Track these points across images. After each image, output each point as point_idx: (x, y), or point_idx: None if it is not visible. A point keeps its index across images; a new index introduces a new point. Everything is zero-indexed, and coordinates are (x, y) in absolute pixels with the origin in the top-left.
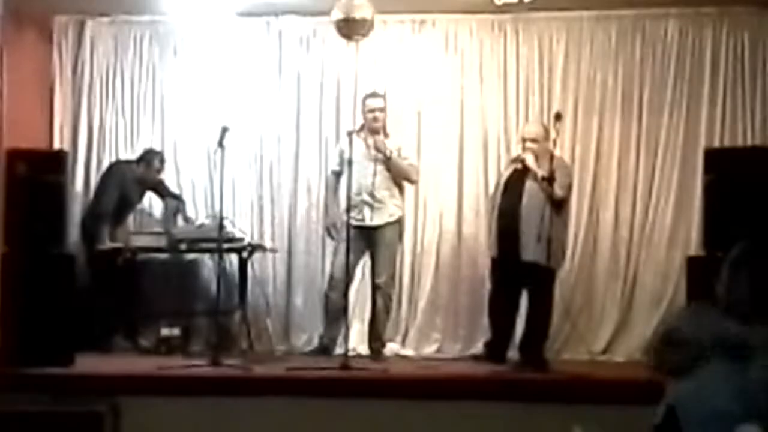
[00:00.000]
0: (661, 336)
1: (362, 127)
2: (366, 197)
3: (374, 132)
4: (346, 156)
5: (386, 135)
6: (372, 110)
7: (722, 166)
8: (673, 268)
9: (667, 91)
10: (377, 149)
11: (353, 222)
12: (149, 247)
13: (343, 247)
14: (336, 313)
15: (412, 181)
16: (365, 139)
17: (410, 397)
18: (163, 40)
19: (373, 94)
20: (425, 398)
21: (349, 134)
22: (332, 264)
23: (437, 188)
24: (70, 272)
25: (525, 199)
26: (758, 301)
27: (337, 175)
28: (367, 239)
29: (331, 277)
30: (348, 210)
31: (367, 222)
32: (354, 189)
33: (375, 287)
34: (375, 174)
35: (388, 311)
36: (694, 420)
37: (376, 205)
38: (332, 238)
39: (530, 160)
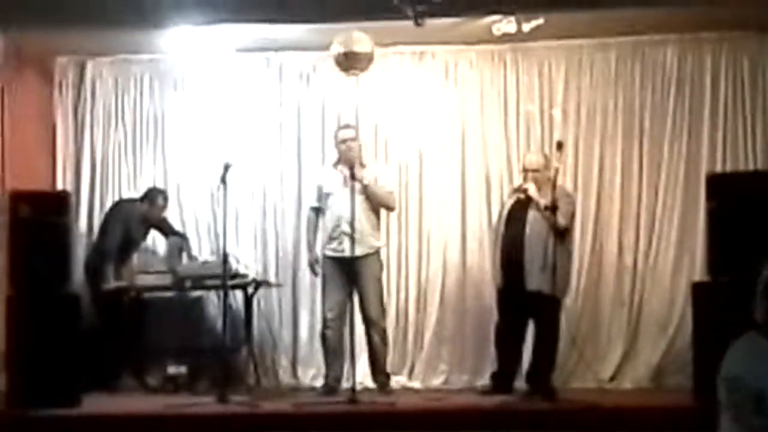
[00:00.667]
0: (726, 387)
1: (338, 160)
2: (345, 228)
3: (349, 162)
4: (325, 191)
5: (362, 165)
6: (344, 140)
7: (725, 192)
8: (679, 294)
9: (668, 117)
10: (353, 178)
11: (333, 254)
12: (154, 285)
13: (328, 285)
14: (335, 352)
15: (390, 209)
16: (341, 171)
17: (418, 430)
18: (164, 77)
19: (345, 126)
20: (433, 431)
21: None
22: (323, 304)
23: (440, 219)
24: (76, 313)
25: (528, 229)
26: None
27: (316, 210)
28: (349, 272)
29: (324, 317)
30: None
31: (347, 253)
32: (333, 221)
33: (367, 322)
34: (351, 203)
35: (385, 344)
36: None
37: (356, 236)
38: (315, 274)
39: (532, 190)
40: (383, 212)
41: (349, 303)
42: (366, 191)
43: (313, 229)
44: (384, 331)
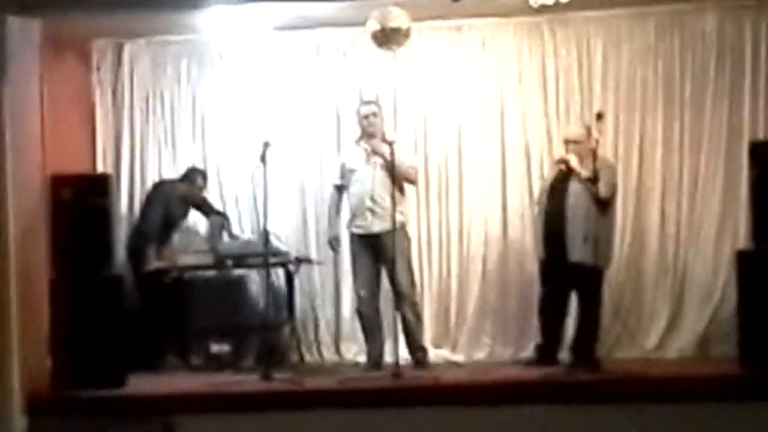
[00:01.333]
0: None
1: (360, 136)
2: (368, 203)
3: (371, 137)
4: (348, 167)
5: (385, 141)
6: (366, 116)
7: None
8: (723, 262)
9: (709, 86)
10: (375, 152)
11: (358, 231)
12: (196, 265)
13: (358, 262)
14: (374, 328)
15: (412, 182)
16: (363, 147)
17: (463, 404)
18: (201, 58)
19: (367, 102)
20: (478, 405)
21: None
22: (354, 281)
23: (481, 194)
24: (119, 294)
25: (570, 201)
26: None
27: (339, 188)
28: (375, 248)
29: (358, 294)
30: (352, 220)
31: (371, 229)
32: (356, 198)
33: (398, 297)
34: (374, 179)
35: (418, 318)
36: None
37: (379, 211)
38: (335, 251)
39: (574, 162)
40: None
41: (380, 279)
42: (387, 166)
43: (335, 207)
44: (416, 305)
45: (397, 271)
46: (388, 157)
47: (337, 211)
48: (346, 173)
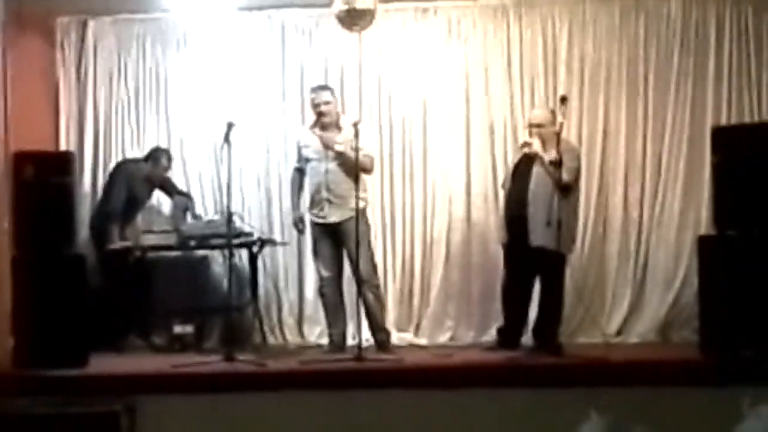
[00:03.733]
0: None
1: (314, 124)
2: (324, 193)
3: (324, 127)
4: (304, 154)
5: (339, 128)
6: (317, 105)
7: (730, 144)
8: (685, 247)
9: (673, 70)
10: (326, 146)
11: (316, 219)
12: (159, 245)
13: (319, 244)
14: (335, 310)
15: (368, 172)
16: (319, 136)
17: (425, 387)
18: (166, 37)
19: (319, 87)
20: (440, 387)
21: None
22: (316, 263)
23: (445, 176)
24: (81, 273)
25: (532, 185)
26: None
27: (299, 171)
28: (334, 235)
29: (320, 275)
30: (310, 207)
31: (329, 219)
32: (313, 187)
33: (359, 282)
34: (327, 171)
35: (380, 301)
36: None
37: (336, 201)
38: (300, 232)
39: (536, 145)
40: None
41: (342, 261)
42: (341, 158)
43: (297, 188)
44: (377, 288)
45: (359, 256)
46: (340, 151)
47: (299, 193)
48: (302, 158)
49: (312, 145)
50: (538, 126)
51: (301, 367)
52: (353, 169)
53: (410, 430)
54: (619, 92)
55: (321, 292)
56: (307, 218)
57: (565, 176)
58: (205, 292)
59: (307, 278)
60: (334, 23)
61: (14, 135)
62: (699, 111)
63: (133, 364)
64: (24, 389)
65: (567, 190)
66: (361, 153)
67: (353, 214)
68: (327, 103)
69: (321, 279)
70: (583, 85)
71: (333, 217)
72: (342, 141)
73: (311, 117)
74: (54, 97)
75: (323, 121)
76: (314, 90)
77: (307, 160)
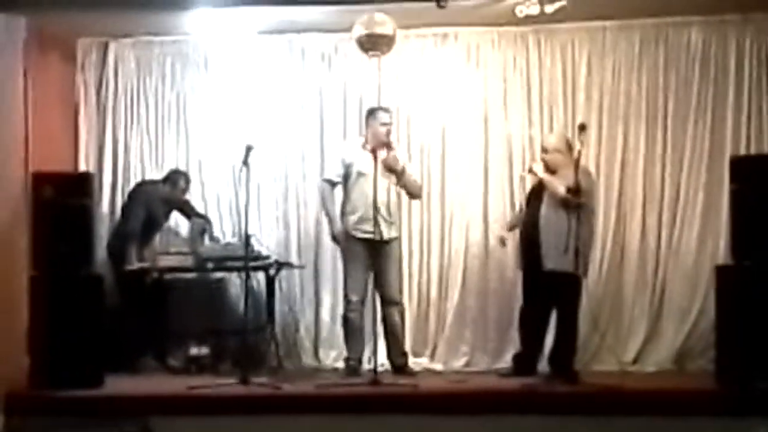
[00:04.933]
0: None
1: (369, 141)
2: (383, 211)
3: (385, 146)
4: (356, 169)
5: (392, 149)
6: (385, 124)
7: (749, 174)
8: (702, 277)
9: (692, 100)
10: (388, 167)
11: (364, 236)
12: (176, 267)
13: (353, 267)
14: (358, 334)
15: (418, 198)
16: (372, 152)
17: (440, 412)
18: (186, 59)
19: (385, 109)
20: (455, 413)
21: (361, 145)
22: (346, 286)
23: (463, 201)
24: (99, 293)
25: (543, 209)
26: None
27: (333, 184)
28: (375, 254)
29: (348, 299)
30: (357, 224)
31: (383, 236)
32: (365, 203)
33: (389, 303)
34: (388, 189)
35: (403, 323)
36: None
37: (389, 219)
38: (339, 244)
39: (537, 168)
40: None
41: (368, 285)
42: (402, 179)
43: (332, 202)
44: (403, 310)
45: (391, 278)
46: (402, 172)
47: (334, 207)
48: (350, 174)
49: (363, 162)
50: (545, 151)
51: (316, 391)
52: (406, 191)
53: None
54: (638, 120)
55: (346, 317)
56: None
57: (560, 189)
58: (221, 315)
59: (323, 301)
60: (353, 48)
61: (34, 155)
62: (718, 140)
63: (149, 385)
64: (39, 409)
65: (567, 205)
66: (412, 179)
67: (398, 234)
68: (391, 123)
69: (348, 303)
70: (601, 112)
71: (385, 234)
72: (402, 162)
73: (329, 142)
74: (74, 117)
75: (386, 141)
76: (380, 110)
77: (359, 175)
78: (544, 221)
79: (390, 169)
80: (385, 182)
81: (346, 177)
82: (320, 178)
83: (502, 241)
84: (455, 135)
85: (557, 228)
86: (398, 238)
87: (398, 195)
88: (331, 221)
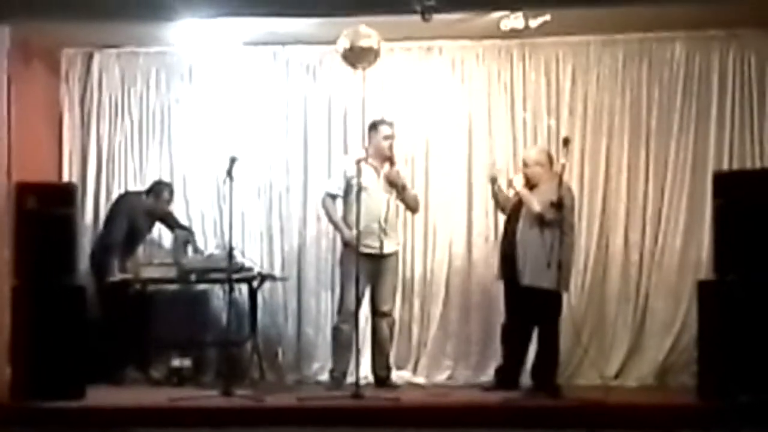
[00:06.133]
0: None
1: (370, 155)
2: (384, 225)
3: (387, 160)
4: (355, 183)
5: (394, 163)
6: (387, 137)
7: (731, 190)
8: (684, 292)
9: (675, 114)
10: (391, 181)
11: (366, 250)
12: (159, 278)
13: (352, 280)
14: (347, 345)
15: (416, 211)
16: (375, 168)
17: (423, 426)
18: (171, 70)
19: (388, 122)
20: (437, 426)
21: (358, 162)
22: (341, 297)
23: (446, 214)
24: (81, 304)
25: (521, 224)
26: None
27: (334, 197)
28: (374, 267)
29: (342, 309)
30: (358, 238)
31: (384, 250)
32: (367, 217)
33: (381, 315)
34: (389, 203)
35: (393, 335)
36: None
37: (391, 233)
38: (355, 248)
39: (517, 181)
40: None
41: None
42: (403, 193)
43: (335, 213)
44: (394, 323)
45: (387, 290)
46: (403, 187)
47: (339, 218)
48: (351, 188)
49: (369, 175)
50: (525, 165)
51: (298, 404)
52: (406, 205)
53: None
54: (622, 135)
55: (338, 327)
56: (314, 249)
57: (536, 207)
58: (204, 326)
59: (306, 314)
60: (338, 61)
61: (17, 165)
62: (701, 155)
63: (131, 396)
64: (20, 420)
65: (541, 221)
66: (412, 193)
67: (398, 247)
68: (393, 137)
69: (342, 314)
70: (585, 126)
71: (386, 248)
72: (403, 177)
73: (313, 154)
74: (58, 128)
75: (388, 155)
76: (382, 123)
77: (361, 189)
78: (521, 236)
79: (392, 184)
80: (386, 196)
81: (347, 191)
82: (324, 191)
83: (493, 180)
84: (439, 147)
85: (534, 243)
86: (396, 253)
87: (397, 209)
88: (340, 230)
